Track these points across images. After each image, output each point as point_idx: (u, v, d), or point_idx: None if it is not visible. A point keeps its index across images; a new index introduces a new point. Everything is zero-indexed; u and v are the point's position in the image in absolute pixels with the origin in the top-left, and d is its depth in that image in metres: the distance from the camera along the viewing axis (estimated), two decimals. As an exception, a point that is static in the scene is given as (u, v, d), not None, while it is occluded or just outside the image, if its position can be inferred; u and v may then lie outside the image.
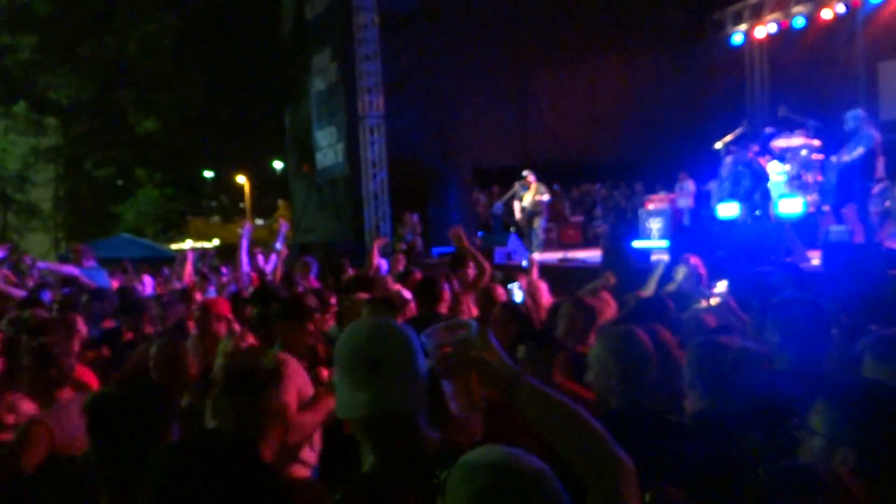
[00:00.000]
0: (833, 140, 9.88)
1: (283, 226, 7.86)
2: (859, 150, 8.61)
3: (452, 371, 1.44)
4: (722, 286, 4.41)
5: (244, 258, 6.96)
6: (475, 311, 5.01)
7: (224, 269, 8.39)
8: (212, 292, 6.85)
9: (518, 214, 13.03)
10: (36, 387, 3.01)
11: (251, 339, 3.54)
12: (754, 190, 9.59)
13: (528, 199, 12.77)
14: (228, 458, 1.41)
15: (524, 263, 8.03)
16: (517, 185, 15.04)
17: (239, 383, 2.26)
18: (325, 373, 3.18)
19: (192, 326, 4.61)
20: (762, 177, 9.68)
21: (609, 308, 4.30)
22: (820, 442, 1.75)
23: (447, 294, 4.65)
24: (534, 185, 12.75)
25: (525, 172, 12.88)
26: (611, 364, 2.48)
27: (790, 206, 10.42)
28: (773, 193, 9.96)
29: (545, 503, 1.20)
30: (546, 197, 12.78)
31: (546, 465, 1.24)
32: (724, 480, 2.05)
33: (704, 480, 2.01)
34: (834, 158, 9.13)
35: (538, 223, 12.54)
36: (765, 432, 2.20)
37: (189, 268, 7.39)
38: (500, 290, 4.86)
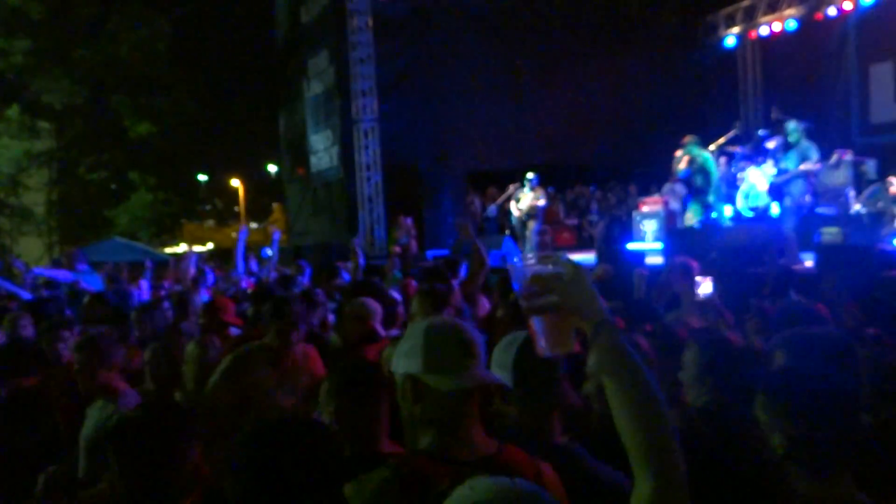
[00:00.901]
0: (824, 143, 9.92)
1: (276, 233, 7.86)
2: (807, 165, 8.66)
3: (542, 306, 1.34)
4: (707, 285, 4.43)
5: (240, 261, 6.96)
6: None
7: (207, 269, 8.31)
8: (204, 295, 6.82)
9: (516, 215, 13.06)
10: None
11: (217, 342, 3.53)
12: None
13: (524, 202, 12.80)
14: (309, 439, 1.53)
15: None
16: (511, 188, 15.07)
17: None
18: None
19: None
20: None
21: None
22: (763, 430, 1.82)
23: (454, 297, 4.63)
24: (533, 189, 12.77)
25: (529, 175, 12.88)
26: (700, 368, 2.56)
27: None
28: (750, 197, 10.00)
29: None
30: (542, 202, 12.79)
31: (539, 488, 1.17)
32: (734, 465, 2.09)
33: (715, 469, 2.05)
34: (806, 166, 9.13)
35: (532, 226, 12.56)
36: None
37: (191, 270, 7.37)
38: None
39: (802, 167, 8.73)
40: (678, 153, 9.91)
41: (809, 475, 1.71)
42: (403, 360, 1.73)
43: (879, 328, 3.31)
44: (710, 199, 9.54)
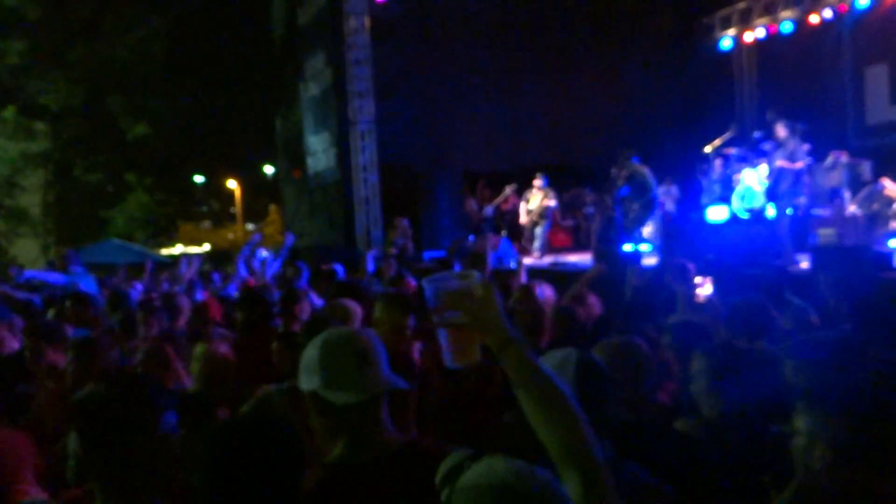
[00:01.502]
0: (820, 145, 9.95)
1: (289, 237, 7.90)
2: (800, 164, 8.76)
3: (449, 320, 1.41)
4: (707, 285, 4.44)
5: (241, 264, 6.99)
6: None
7: (215, 275, 8.34)
8: (199, 296, 6.83)
9: (524, 217, 13.04)
10: None
11: (224, 348, 3.53)
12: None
13: (535, 202, 12.78)
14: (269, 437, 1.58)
15: (513, 265, 8.05)
16: (508, 189, 15.06)
17: None
18: None
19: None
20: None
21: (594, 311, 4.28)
22: (802, 440, 1.80)
23: None
24: (543, 190, 12.79)
25: (538, 175, 12.91)
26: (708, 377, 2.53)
27: (717, 213, 10.56)
28: (746, 198, 10.03)
29: None
30: (552, 202, 12.79)
31: (551, 475, 1.19)
32: (757, 475, 2.09)
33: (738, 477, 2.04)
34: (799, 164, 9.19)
35: (542, 226, 12.56)
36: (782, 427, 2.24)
37: (187, 272, 7.37)
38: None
39: (779, 163, 8.80)
40: (615, 169, 10.00)
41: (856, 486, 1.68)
42: (304, 377, 1.77)
43: (875, 330, 3.32)
44: (646, 213, 9.61)
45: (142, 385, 1.90)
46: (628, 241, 11.15)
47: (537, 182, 13.11)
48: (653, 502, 1.84)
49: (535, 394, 1.36)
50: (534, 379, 1.37)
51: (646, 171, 9.69)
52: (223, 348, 3.47)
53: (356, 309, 3.97)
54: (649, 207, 9.43)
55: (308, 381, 1.75)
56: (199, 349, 3.48)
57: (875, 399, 1.76)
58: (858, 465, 1.71)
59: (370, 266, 6.49)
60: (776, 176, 9.03)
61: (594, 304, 4.44)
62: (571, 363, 1.94)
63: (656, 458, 1.99)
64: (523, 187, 16.18)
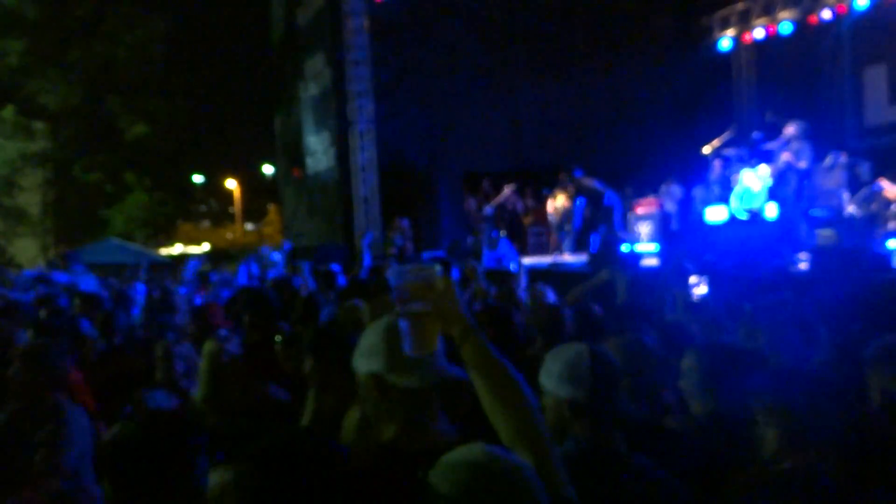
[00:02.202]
0: (819, 145, 9.97)
1: (286, 244, 7.93)
2: (802, 163, 8.80)
3: (410, 310, 1.51)
4: (703, 285, 4.44)
5: (242, 272, 7.01)
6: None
7: (213, 276, 8.35)
8: (197, 300, 6.84)
9: (551, 215, 12.87)
10: None
11: (233, 346, 3.54)
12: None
13: (561, 200, 12.63)
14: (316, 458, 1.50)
15: (513, 267, 8.06)
16: (507, 189, 15.07)
17: None
18: None
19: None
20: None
21: None
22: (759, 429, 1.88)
23: None
24: (569, 188, 12.64)
25: (578, 173, 12.80)
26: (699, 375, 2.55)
27: (716, 213, 10.57)
28: (745, 199, 10.05)
29: (522, 497, 1.23)
30: (569, 203, 12.62)
31: (527, 464, 1.28)
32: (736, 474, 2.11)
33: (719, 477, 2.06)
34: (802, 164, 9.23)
35: (571, 225, 12.40)
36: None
37: (188, 273, 7.39)
38: None
39: (785, 156, 8.83)
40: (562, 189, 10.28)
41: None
42: (364, 360, 1.79)
43: (874, 330, 3.32)
44: (608, 214, 9.90)
45: (178, 426, 1.79)
46: (627, 241, 11.18)
47: (564, 180, 12.90)
48: (662, 496, 1.86)
49: (491, 380, 1.47)
50: (490, 365, 1.48)
51: (591, 180, 10.14)
52: (232, 348, 3.47)
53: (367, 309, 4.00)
54: (608, 210, 9.84)
55: (369, 364, 1.77)
56: (206, 348, 3.47)
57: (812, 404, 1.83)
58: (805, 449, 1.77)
59: (367, 258, 6.49)
60: (781, 174, 9.05)
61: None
62: (585, 357, 1.99)
63: (661, 454, 2.02)
64: (523, 187, 16.21)
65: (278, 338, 3.65)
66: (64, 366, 3.30)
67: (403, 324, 1.53)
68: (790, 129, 9.42)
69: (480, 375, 1.48)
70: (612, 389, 2.00)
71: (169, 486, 1.65)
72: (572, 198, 12.57)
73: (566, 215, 12.77)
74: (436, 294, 1.51)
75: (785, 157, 9.00)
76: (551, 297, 5.12)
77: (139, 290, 7.22)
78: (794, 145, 9.24)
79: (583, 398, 1.95)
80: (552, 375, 2.01)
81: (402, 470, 1.65)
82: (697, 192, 12.80)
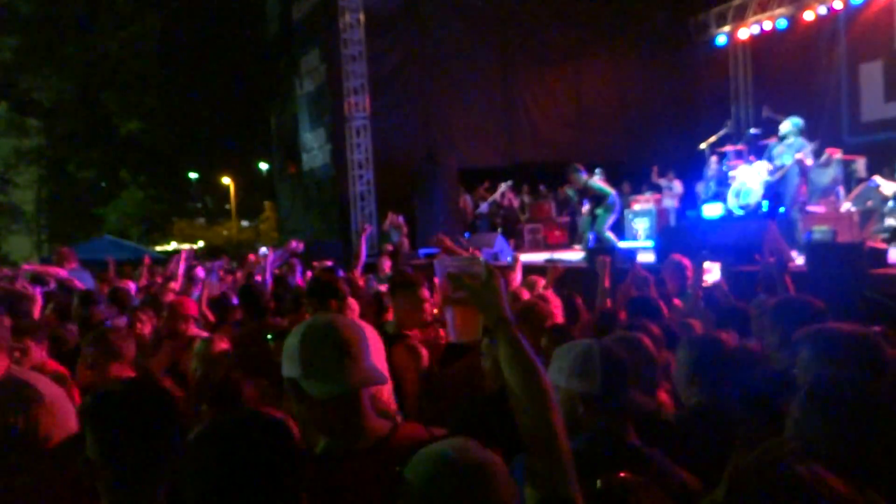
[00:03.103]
0: (815, 141, 9.96)
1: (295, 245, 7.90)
2: (800, 154, 8.81)
3: (453, 298, 1.60)
4: (715, 271, 4.45)
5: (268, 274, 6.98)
6: None
7: (200, 271, 8.28)
8: (194, 294, 6.80)
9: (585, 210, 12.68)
10: None
11: (224, 345, 3.51)
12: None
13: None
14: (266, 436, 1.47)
15: (508, 259, 8.04)
16: (503, 186, 15.05)
17: None
18: None
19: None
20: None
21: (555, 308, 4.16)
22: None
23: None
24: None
25: (597, 171, 12.62)
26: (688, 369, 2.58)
27: (712, 210, 10.56)
28: (742, 195, 10.05)
29: (488, 494, 1.25)
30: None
31: (497, 459, 1.30)
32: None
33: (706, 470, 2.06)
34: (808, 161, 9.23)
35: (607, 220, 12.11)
36: (758, 424, 2.25)
37: (182, 268, 7.33)
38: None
39: (797, 156, 8.85)
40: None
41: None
42: (286, 363, 1.75)
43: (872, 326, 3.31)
44: (610, 214, 9.91)
45: (161, 389, 1.84)
46: (623, 237, 11.18)
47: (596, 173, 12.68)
48: (676, 487, 1.88)
49: (518, 369, 1.51)
50: (518, 356, 1.52)
51: (595, 180, 10.17)
52: (223, 344, 3.46)
53: (353, 305, 3.99)
54: (611, 209, 9.81)
55: (288, 368, 1.73)
56: (198, 346, 3.46)
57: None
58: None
59: (364, 253, 6.47)
60: (787, 172, 9.04)
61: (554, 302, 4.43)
62: (595, 352, 2.05)
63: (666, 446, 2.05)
64: (518, 184, 16.19)
65: (270, 336, 3.65)
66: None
67: (448, 312, 1.61)
68: (785, 127, 9.39)
69: (508, 364, 1.53)
70: (622, 382, 2.04)
71: (153, 444, 1.67)
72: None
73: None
74: (477, 284, 1.56)
75: (798, 156, 9.01)
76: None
77: (130, 287, 7.18)
78: (794, 141, 9.23)
79: (596, 391, 1.99)
80: (563, 371, 2.04)
81: (340, 475, 1.65)
82: (699, 187, 12.82)
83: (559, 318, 3.70)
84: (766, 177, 9.36)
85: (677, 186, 14.02)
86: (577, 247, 11.87)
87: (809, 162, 9.13)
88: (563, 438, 1.50)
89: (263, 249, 7.61)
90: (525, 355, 1.53)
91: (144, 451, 1.67)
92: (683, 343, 2.69)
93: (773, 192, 9.26)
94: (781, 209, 9.18)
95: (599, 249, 8.17)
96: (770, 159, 9.57)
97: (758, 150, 10.76)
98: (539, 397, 1.50)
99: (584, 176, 10.02)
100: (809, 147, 9.13)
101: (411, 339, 3.32)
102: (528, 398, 1.50)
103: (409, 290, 3.44)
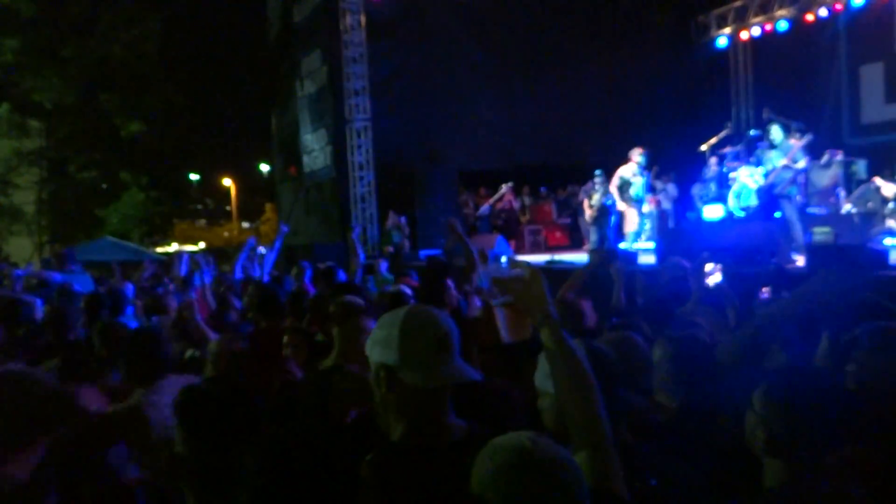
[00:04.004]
0: (815, 143, 9.96)
1: (283, 227, 7.86)
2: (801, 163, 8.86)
3: (501, 301, 1.71)
4: (717, 272, 4.45)
5: (238, 267, 6.99)
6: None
7: (204, 266, 8.29)
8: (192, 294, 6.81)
9: (588, 212, 12.59)
10: None
11: (237, 345, 3.53)
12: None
13: (596, 198, 12.38)
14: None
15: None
16: (504, 187, 15.07)
17: None
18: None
19: None
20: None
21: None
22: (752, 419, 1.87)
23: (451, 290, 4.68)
24: (602, 186, 12.31)
25: (597, 172, 12.55)
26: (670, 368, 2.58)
27: (713, 211, 10.56)
28: (742, 197, 10.06)
29: (560, 487, 1.29)
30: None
31: (567, 452, 1.36)
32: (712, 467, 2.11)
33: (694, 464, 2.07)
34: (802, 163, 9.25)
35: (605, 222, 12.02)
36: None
37: (182, 270, 7.35)
38: None
39: (785, 161, 8.86)
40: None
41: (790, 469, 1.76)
42: (379, 349, 1.77)
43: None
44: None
45: (244, 387, 1.93)
46: (624, 239, 11.18)
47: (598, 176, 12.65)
48: (674, 484, 1.89)
49: (562, 365, 1.61)
50: (564, 352, 1.62)
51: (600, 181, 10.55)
52: (239, 344, 3.48)
53: (361, 304, 3.96)
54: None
55: (383, 355, 1.75)
56: (212, 346, 3.47)
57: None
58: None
59: (361, 255, 6.47)
60: (777, 175, 9.05)
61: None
62: (580, 352, 2.01)
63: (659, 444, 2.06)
64: (519, 185, 16.20)
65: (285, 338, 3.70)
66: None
67: (499, 314, 1.78)
68: (775, 134, 9.40)
69: (553, 359, 1.63)
70: (612, 384, 2.02)
71: (239, 441, 1.76)
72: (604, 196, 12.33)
73: (602, 212, 12.46)
74: (521, 287, 1.67)
75: (803, 163, 9.05)
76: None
77: (129, 290, 7.19)
78: (786, 146, 9.23)
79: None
80: (549, 375, 2.02)
81: (413, 468, 1.66)
82: (695, 189, 12.81)
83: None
84: (760, 181, 9.37)
85: (671, 189, 14.03)
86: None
87: (802, 164, 9.12)
88: (608, 432, 1.57)
89: (262, 249, 7.60)
90: (569, 350, 1.62)
91: (230, 448, 1.74)
92: (661, 340, 2.69)
93: (769, 196, 9.25)
94: (777, 214, 9.19)
95: (602, 253, 8.18)
96: (760, 164, 9.58)
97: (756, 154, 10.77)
98: (585, 391, 1.58)
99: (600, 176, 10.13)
100: (801, 152, 9.13)
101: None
102: (574, 391, 1.58)
103: (352, 320, 3.29)
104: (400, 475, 1.66)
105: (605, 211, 11.57)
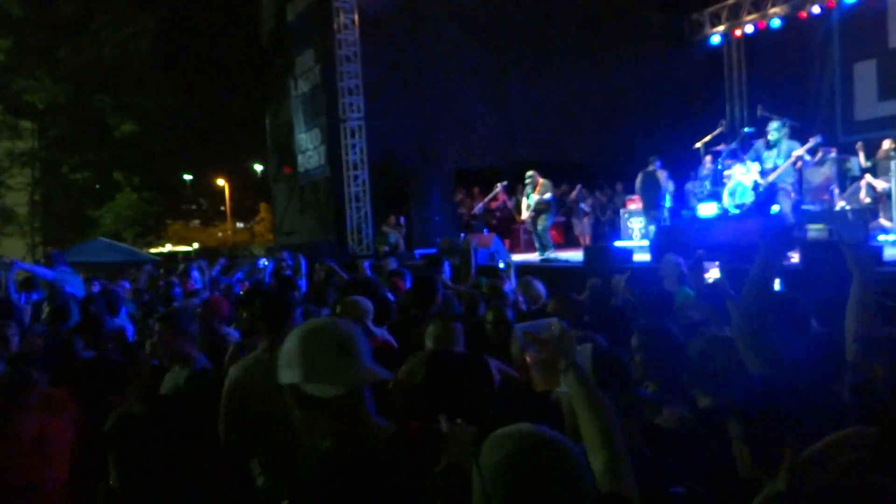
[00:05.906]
0: (809, 140, 9.97)
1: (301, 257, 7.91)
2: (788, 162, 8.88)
3: (532, 355, 1.87)
4: (715, 272, 4.46)
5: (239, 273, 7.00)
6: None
7: (194, 270, 8.28)
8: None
9: (525, 214, 12.57)
10: None
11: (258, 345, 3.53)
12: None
13: (533, 198, 12.36)
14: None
15: (501, 265, 8.03)
16: (499, 187, 15.04)
17: None
18: None
19: None
20: None
21: None
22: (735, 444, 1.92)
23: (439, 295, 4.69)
24: (540, 184, 12.27)
25: (530, 173, 12.50)
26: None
27: (707, 209, 10.58)
28: (737, 194, 10.07)
29: (567, 472, 1.30)
30: (548, 195, 12.22)
31: (574, 446, 1.38)
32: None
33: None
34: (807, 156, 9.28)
35: (543, 222, 12.01)
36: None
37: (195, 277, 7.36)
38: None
39: (795, 154, 8.89)
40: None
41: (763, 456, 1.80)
42: (284, 370, 1.72)
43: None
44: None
45: (188, 409, 1.71)
46: (619, 237, 11.19)
47: (536, 178, 12.62)
48: (667, 484, 1.90)
49: (585, 404, 1.73)
50: (586, 394, 1.75)
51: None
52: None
53: (368, 306, 3.94)
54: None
55: (288, 375, 1.71)
56: (232, 350, 3.49)
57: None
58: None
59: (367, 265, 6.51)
60: (778, 176, 9.08)
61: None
62: (587, 354, 2.13)
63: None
64: (514, 185, 16.18)
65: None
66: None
67: (533, 365, 1.90)
68: (771, 134, 9.41)
69: (578, 400, 1.76)
70: (616, 381, 2.09)
71: (178, 473, 1.58)
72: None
73: (539, 212, 12.61)
74: (550, 339, 1.84)
75: (799, 165, 9.10)
76: (540, 287, 5.28)
77: (125, 288, 7.16)
78: (783, 145, 9.24)
79: None
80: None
81: (347, 476, 1.64)
82: (690, 186, 12.82)
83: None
84: (756, 178, 9.37)
85: (669, 186, 14.00)
86: None
87: (807, 158, 9.16)
88: (626, 449, 1.65)
89: (263, 261, 7.62)
90: (589, 390, 1.75)
91: (168, 480, 1.56)
92: (636, 331, 2.79)
93: (766, 193, 9.26)
94: (776, 208, 9.20)
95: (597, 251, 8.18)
96: (758, 160, 9.57)
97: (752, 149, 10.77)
98: (605, 430, 1.67)
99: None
100: (801, 146, 9.16)
101: None
102: (595, 430, 1.67)
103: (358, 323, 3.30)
104: (337, 485, 1.63)
105: (545, 209, 11.74)
